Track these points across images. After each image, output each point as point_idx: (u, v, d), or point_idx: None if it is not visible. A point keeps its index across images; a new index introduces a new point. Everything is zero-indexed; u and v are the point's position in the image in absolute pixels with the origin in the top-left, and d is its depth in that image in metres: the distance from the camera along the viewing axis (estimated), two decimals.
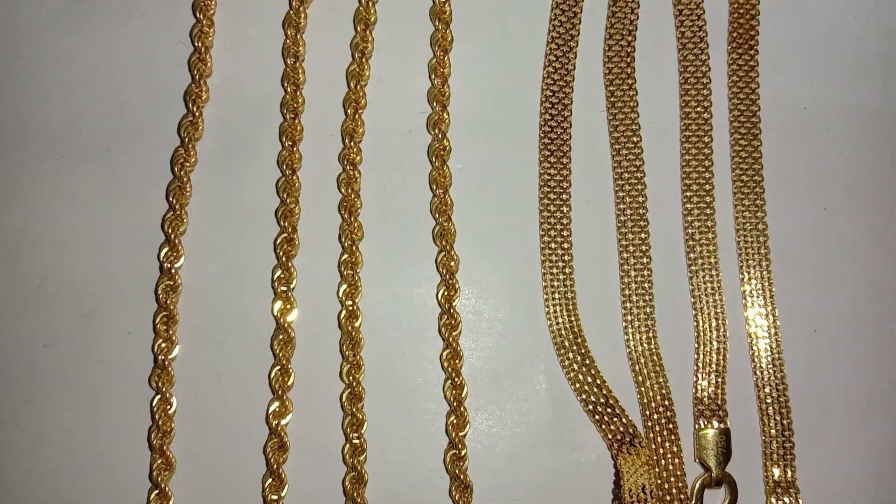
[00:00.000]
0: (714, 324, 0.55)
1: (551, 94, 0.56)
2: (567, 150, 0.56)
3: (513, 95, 0.56)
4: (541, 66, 0.56)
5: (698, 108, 0.57)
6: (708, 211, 0.56)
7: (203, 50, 0.54)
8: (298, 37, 0.55)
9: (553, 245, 0.55)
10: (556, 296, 0.55)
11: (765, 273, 0.56)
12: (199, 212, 0.53)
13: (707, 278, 0.56)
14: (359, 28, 0.55)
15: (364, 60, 0.55)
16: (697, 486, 0.53)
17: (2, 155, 0.54)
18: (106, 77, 0.55)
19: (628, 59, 0.57)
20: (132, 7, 0.55)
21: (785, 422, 0.54)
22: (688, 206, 0.56)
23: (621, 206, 0.56)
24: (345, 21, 0.56)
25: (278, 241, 0.53)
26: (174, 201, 0.53)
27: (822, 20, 0.58)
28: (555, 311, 0.54)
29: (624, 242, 0.55)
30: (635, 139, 0.56)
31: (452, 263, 0.54)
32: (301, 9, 0.55)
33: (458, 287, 0.53)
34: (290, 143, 0.54)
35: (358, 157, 0.54)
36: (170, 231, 0.52)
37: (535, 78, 0.56)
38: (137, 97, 0.54)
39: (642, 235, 0.56)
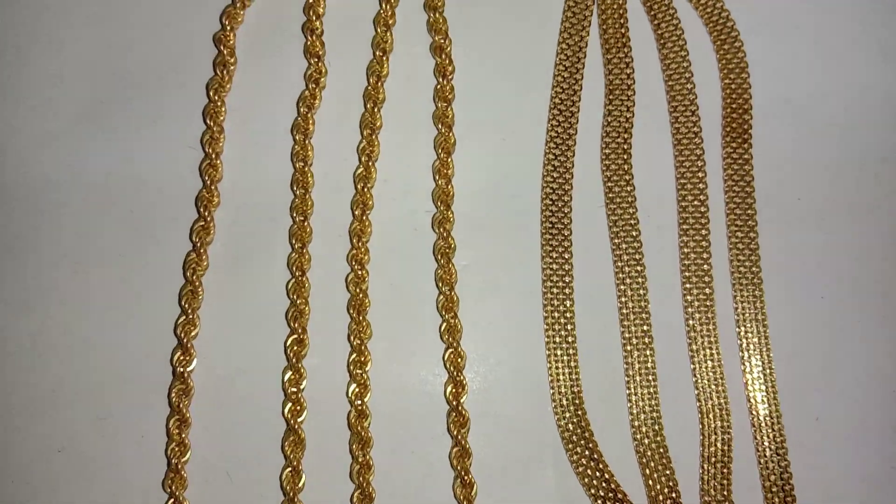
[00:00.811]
0: (718, 414, 0.56)
1: (551, 191, 0.58)
2: (568, 246, 0.57)
3: (514, 193, 0.58)
4: (541, 164, 0.58)
5: (695, 202, 0.59)
6: (708, 303, 0.57)
7: (214, 156, 0.56)
8: (307, 142, 0.57)
9: (557, 339, 0.56)
10: (563, 389, 0.55)
11: (766, 362, 0.57)
12: (210, 315, 0.54)
13: (710, 368, 0.57)
14: (365, 132, 0.57)
15: (371, 163, 0.57)
16: None
17: (17, 262, 0.55)
18: (119, 183, 0.56)
19: (625, 157, 0.59)
20: (144, 115, 0.57)
21: None
22: (688, 297, 0.58)
23: (623, 298, 0.57)
24: (352, 125, 0.58)
25: (289, 342, 0.54)
26: (186, 306, 0.54)
27: (815, 113, 0.60)
28: (562, 405, 0.55)
29: (627, 335, 0.57)
30: (634, 233, 0.58)
31: (460, 360, 0.55)
32: (309, 115, 0.57)
33: (466, 384, 0.54)
34: (300, 246, 0.55)
35: (366, 257, 0.56)
36: (182, 335, 0.53)
37: (535, 175, 0.58)
38: (150, 203, 0.56)
39: (644, 328, 0.57)
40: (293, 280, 0.55)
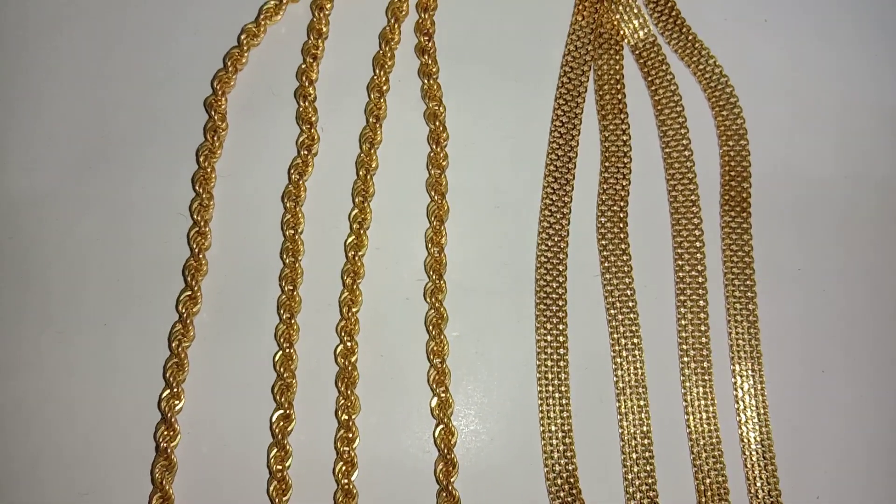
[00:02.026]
0: (716, 491, 0.54)
1: (546, 259, 0.57)
2: (563, 317, 0.56)
3: (508, 261, 0.57)
4: (535, 232, 0.57)
5: (692, 272, 0.57)
6: (706, 376, 0.56)
7: (202, 223, 0.55)
8: (298, 209, 0.56)
9: (552, 414, 0.55)
10: (557, 468, 0.54)
11: (765, 437, 0.55)
12: (196, 388, 0.53)
13: (708, 443, 0.55)
14: (357, 200, 0.56)
15: (362, 231, 0.56)
16: None
17: (1, 328, 0.55)
18: (106, 248, 0.55)
19: (621, 224, 0.58)
20: (132, 178, 0.56)
21: None
22: (685, 370, 0.56)
23: (619, 371, 0.56)
24: (344, 193, 0.57)
25: (275, 417, 0.53)
26: (171, 379, 0.52)
27: (813, 179, 0.59)
28: (556, 484, 0.53)
29: (623, 410, 0.55)
30: (630, 304, 0.57)
31: (451, 438, 0.53)
32: (300, 182, 0.56)
33: (457, 462, 0.53)
34: (289, 316, 0.54)
35: (356, 328, 0.55)
36: (166, 409, 0.52)
37: (530, 243, 0.57)
38: (136, 270, 0.55)
39: (641, 402, 0.55)
40: (280, 353, 0.53)
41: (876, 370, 0.57)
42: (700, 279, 0.57)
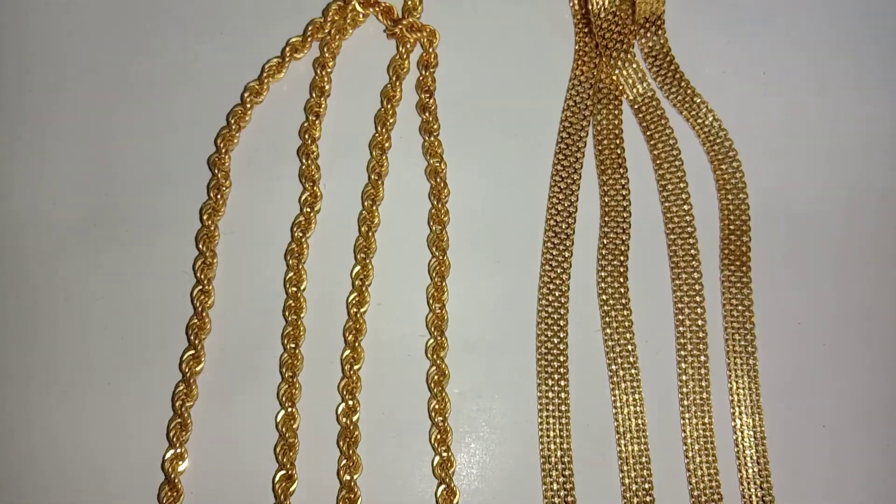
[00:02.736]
0: None
1: (546, 315, 0.57)
2: (564, 373, 0.56)
3: (509, 316, 0.57)
4: (536, 287, 0.58)
5: (693, 327, 0.58)
6: (707, 433, 0.56)
7: (206, 282, 0.56)
8: (300, 266, 0.57)
9: (554, 473, 0.55)
10: None
11: (766, 493, 0.55)
12: (199, 448, 0.53)
13: (709, 501, 0.55)
14: (359, 257, 0.57)
15: (364, 288, 0.56)
16: None
17: (6, 386, 0.55)
18: (110, 306, 0.56)
19: (622, 279, 0.58)
20: (136, 236, 0.57)
21: None
22: (687, 427, 0.56)
23: (621, 428, 0.56)
24: (346, 249, 0.57)
25: (277, 478, 0.53)
26: (175, 439, 0.53)
27: (813, 233, 0.59)
28: None
29: (625, 468, 0.55)
30: (632, 359, 0.57)
31: (454, 498, 0.53)
32: (303, 239, 0.57)
33: None
34: (291, 375, 0.54)
35: (357, 386, 0.55)
36: (170, 470, 0.52)
37: (531, 298, 0.58)
38: (140, 328, 0.55)
39: (643, 460, 0.55)
40: (283, 412, 0.54)
41: (876, 424, 0.57)
42: (700, 334, 0.58)
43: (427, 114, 0.60)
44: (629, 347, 0.57)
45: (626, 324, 0.58)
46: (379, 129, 0.59)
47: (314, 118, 0.59)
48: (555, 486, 0.55)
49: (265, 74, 0.59)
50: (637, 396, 0.57)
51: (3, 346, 0.55)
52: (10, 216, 0.58)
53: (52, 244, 0.57)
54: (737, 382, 0.57)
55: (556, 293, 0.58)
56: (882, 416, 0.57)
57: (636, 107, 0.61)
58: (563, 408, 0.56)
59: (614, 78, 0.61)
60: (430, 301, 0.57)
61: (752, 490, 0.55)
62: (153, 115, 0.59)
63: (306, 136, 0.58)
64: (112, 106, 0.59)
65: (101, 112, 0.59)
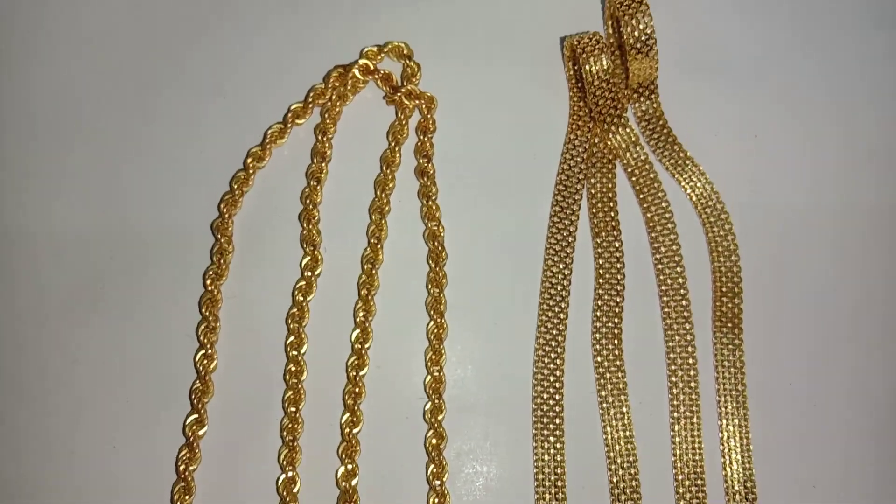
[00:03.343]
0: None
1: (542, 377, 0.58)
2: (560, 435, 0.57)
3: (506, 378, 0.58)
4: (532, 349, 0.59)
5: (685, 389, 0.59)
6: (700, 494, 0.57)
7: (209, 346, 0.57)
8: (301, 331, 0.58)
9: None
10: None
11: None
12: None
13: None
14: (358, 320, 0.58)
15: (364, 351, 0.58)
16: None
17: (11, 449, 0.56)
18: (113, 370, 0.57)
19: (616, 342, 0.60)
20: (139, 300, 0.58)
21: None
22: (681, 489, 0.57)
23: (615, 490, 0.57)
24: (345, 313, 0.58)
25: None
26: (179, 502, 0.54)
27: (804, 295, 0.60)
28: None
29: None
30: (626, 421, 0.58)
31: None
32: (304, 304, 0.58)
33: None
34: (291, 439, 0.56)
35: (357, 449, 0.56)
36: None
37: (527, 359, 0.59)
38: (145, 392, 0.57)
39: None
40: (283, 477, 0.55)
41: (868, 483, 0.58)
42: (693, 395, 0.59)
43: (425, 178, 0.61)
44: (623, 409, 0.58)
45: (621, 385, 0.59)
46: (378, 193, 0.61)
47: (315, 183, 0.60)
48: None
49: (268, 140, 0.61)
50: (631, 458, 0.58)
51: (8, 409, 0.57)
52: (15, 279, 0.59)
53: (57, 308, 0.58)
54: (729, 444, 0.58)
55: (552, 355, 0.59)
56: (873, 474, 0.58)
57: (629, 170, 0.63)
58: (558, 470, 0.57)
59: (608, 142, 0.63)
60: (429, 364, 0.58)
61: None
62: (157, 178, 0.61)
63: (308, 202, 0.60)
64: (115, 170, 0.61)
65: (104, 176, 0.61)
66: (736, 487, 0.57)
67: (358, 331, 0.58)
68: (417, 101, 0.62)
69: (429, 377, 0.58)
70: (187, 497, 0.54)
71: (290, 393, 0.57)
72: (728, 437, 0.58)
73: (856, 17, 0.67)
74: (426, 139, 0.62)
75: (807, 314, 0.60)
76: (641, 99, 0.63)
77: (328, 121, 0.62)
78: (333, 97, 0.62)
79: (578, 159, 0.62)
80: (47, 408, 0.57)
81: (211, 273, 0.58)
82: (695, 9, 0.66)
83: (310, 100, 0.62)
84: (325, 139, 0.61)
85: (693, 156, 0.63)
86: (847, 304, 0.61)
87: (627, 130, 0.63)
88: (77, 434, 0.56)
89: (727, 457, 0.58)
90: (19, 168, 0.61)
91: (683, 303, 0.60)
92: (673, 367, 0.59)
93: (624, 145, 0.63)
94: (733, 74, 0.64)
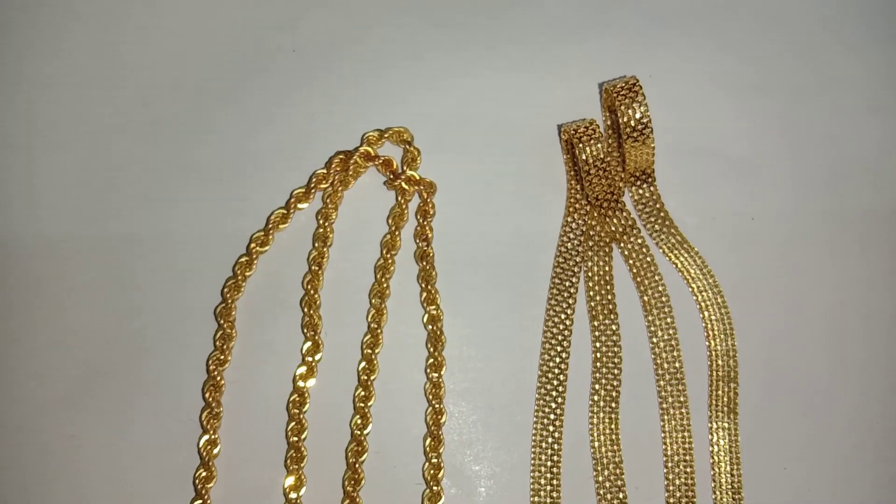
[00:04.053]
0: None
1: (540, 463, 0.59)
2: None
3: (504, 464, 0.59)
4: (530, 433, 0.59)
5: (682, 474, 0.59)
6: None
7: (212, 431, 0.58)
8: (302, 416, 0.59)
9: None
10: None
11: None
12: None
13: None
14: (358, 406, 0.59)
15: (363, 438, 0.58)
16: None
17: None
18: (113, 458, 0.58)
19: (613, 426, 0.60)
20: (141, 386, 0.59)
21: None
22: None
23: None
24: (345, 399, 0.59)
25: None
26: None
27: (800, 382, 0.61)
28: None
29: None
30: None
31: None
32: (304, 390, 0.59)
33: None
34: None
35: None
36: None
37: (525, 444, 0.59)
38: (148, 478, 0.57)
39: None
40: None
41: None
42: (689, 480, 0.59)
43: (425, 262, 0.62)
44: (620, 495, 0.59)
45: (618, 471, 0.60)
46: (378, 277, 0.62)
47: (317, 268, 0.61)
48: None
49: (270, 225, 0.62)
50: None
51: (5, 496, 0.58)
52: (15, 366, 0.60)
53: (58, 393, 0.59)
54: None
55: (549, 439, 0.60)
56: None
57: (626, 254, 0.63)
58: None
59: (605, 226, 0.64)
60: (427, 451, 0.59)
61: None
62: (160, 263, 0.62)
63: (309, 287, 0.61)
64: (119, 257, 0.62)
65: (105, 262, 0.62)
66: None
67: (358, 416, 0.59)
68: (417, 186, 0.63)
69: (427, 464, 0.59)
70: None
71: (292, 479, 0.57)
72: None
73: (853, 96, 0.68)
74: (426, 223, 0.63)
75: (802, 401, 0.61)
76: (638, 183, 0.64)
77: (330, 206, 0.63)
78: (335, 182, 0.63)
79: (576, 242, 0.63)
80: (47, 495, 0.57)
81: (214, 359, 0.59)
82: (689, 95, 0.67)
83: (312, 185, 0.63)
84: (326, 224, 0.62)
85: (690, 239, 0.63)
86: (846, 390, 0.61)
87: (624, 215, 0.64)
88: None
89: None
90: (19, 260, 0.62)
91: (680, 387, 0.61)
92: (669, 453, 0.60)
93: (621, 229, 0.64)
94: (729, 158, 0.65)
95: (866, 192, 0.65)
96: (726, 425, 0.60)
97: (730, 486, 0.59)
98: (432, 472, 0.58)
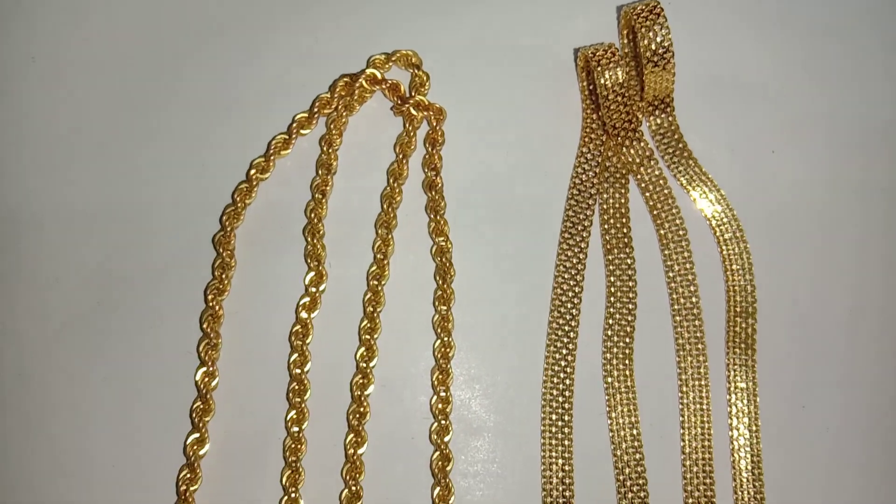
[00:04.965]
0: None
1: (551, 398, 0.57)
2: (569, 457, 0.56)
3: (514, 399, 0.57)
4: (541, 369, 0.58)
5: (697, 411, 0.57)
6: None
7: (210, 363, 0.56)
8: (305, 348, 0.56)
9: None
10: None
11: None
12: None
13: None
14: (363, 338, 0.57)
15: (369, 370, 0.56)
16: None
17: (10, 469, 0.55)
18: (113, 389, 0.56)
19: (626, 361, 0.58)
20: (140, 317, 0.57)
21: None
22: None
23: None
24: (351, 330, 0.57)
25: None
26: None
27: (819, 316, 0.59)
28: None
29: None
30: (636, 444, 0.57)
31: None
32: (308, 321, 0.57)
33: None
34: (294, 460, 0.54)
35: (361, 470, 0.55)
36: None
37: (536, 380, 0.57)
38: (144, 410, 0.55)
39: None
40: (286, 498, 0.54)
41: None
42: (705, 417, 0.57)
43: (433, 192, 0.59)
44: (634, 431, 0.57)
45: (631, 407, 0.58)
46: (385, 207, 0.59)
47: (320, 196, 0.59)
48: None
49: (271, 151, 0.59)
50: (641, 482, 0.56)
51: (6, 431, 0.55)
52: (12, 299, 0.57)
53: (54, 326, 0.57)
54: (740, 466, 0.57)
55: (562, 375, 0.58)
56: (890, 495, 0.57)
57: (643, 185, 0.61)
58: (567, 493, 0.56)
59: (622, 157, 0.61)
60: (435, 384, 0.57)
61: None
62: (157, 192, 0.59)
63: (312, 216, 0.58)
64: (115, 184, 0.59)
65: (103, 190, 0.59)
66: None
67: (363, 349, 0.57)
68: (426, 112, 0.60)
69: (435, 397, 0.56)
70: None
71: (294, 412, 0.55)
72: (739, 460, 0.57)
73: (874, 32, 0.65)
74: (434, 151, 0.60)
75: (822, 336, 0.59)
76: (657, 113, 0.62)
77: (334, 132, 0.60)
78: (339, 107, 0.60)
79: (591, 174, 0.61)
80: (46, 426, 0.55)
81: (212, 289, 0.57)
82: (712, 23, 0.64)
83: (315, 110, 0.60)
84: (330, 151, 0.60)
85: (708, 171, 0.61)
86: (865, 326, 0.59)
87: (642, 145, 0.61)
88: (76, 454, 0.55)
89: (737, 479, 0.57)
90: (16, 182, 0.59)
91: (696, 322, 0.59)
92: (685, 389, 0.58)
93: (638, 160, 0.61)
94: (750, 89, 0.62)
95: (891, 128, 0.63)
96: (744, 361, 0.58)
97: (746, 422, 0.58)
98: (440, 405, 0.56)
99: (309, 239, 0.58)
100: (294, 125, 0.60)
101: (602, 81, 0.58)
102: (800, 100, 0.63)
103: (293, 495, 0.54)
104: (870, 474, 0.57)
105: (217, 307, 0.57)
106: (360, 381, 0.56)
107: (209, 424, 0.55)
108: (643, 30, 0.58)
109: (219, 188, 0.59)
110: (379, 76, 0.61)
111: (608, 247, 0.60)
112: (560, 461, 0.56)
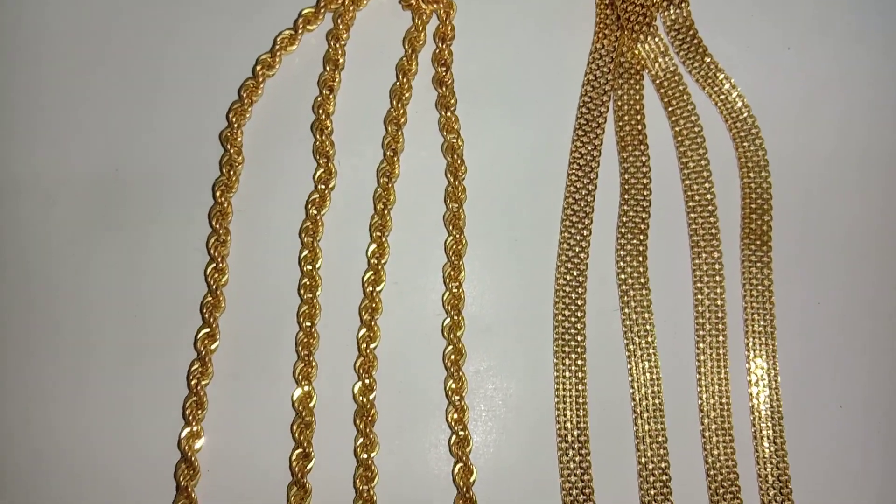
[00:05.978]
0: None
1: (564, 294, 0.57)
2: (581, 353, 0.56)
3: (527, 295, 0.57)
4: (554, 265, 0.57)
5: (712, 307, 0.57)
6: (725, 412, 0.56)
7: (220, 259, 0.55)
8: (315, 244, 0.56)
9: (570, 452, 0.54)
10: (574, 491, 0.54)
11: (781, 461, 0.55)
12: (215, 426, 0.53)
13: (725, 482, 0.55)
14: (374, 235, 0.56)
15: (380, 266, 0.56)
16: None
17: (22, 367, 0.54)
18: (122, 286, 0.55)
19: (641, 258, 0.58)
20: (148, 214, 0.56)
21: None
22: (705, 407, 0.56)
23: (638, 408, 0.56)
24: (361, 227, 0.56)
25: (294, 456, 0.52)
26: (191, 417, 0.52)
27: (835, 212, 0.58)
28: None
29: (641, 447, 0.55)
30: (650, 339, 0.56)
31: (470, 476, 0.53)
32: (318, 217, 0.56)
33: (476, 500, 0.53)
34: (307, 354, 0.54)
35: (374, 365, 0.55)
36: (186, 449, 0.52)
37: (548, 275, 0.57)
38: (154, 306, 0.55)
39: (660, 439, 0.55)
40: (299, 390, 0.54)
41: (894, 406, 0.57)
42: (720, 313, 0.57)
43: (444, 88, 0.58)
44: (647, 327, 0.57)
45: (645, 303, 0.57)
46: (394, 103, 0.58)
47: (328, 92, 0.57)
48: (571, 465, 0.54)
49: (277, 47, 0.58)
50: (654, 376, 0.56)
51: (21, 325, 0.55)
52: (19, 193, 0.56)
53: (62, 221, 0.56)
54: (755, 362, 0.57)
55: (575, 272, 0.57)
56: None
57: (658, 82, 0.60)
58: (580, 387, 0.56)
59: (636, 52, 0.60)
60: (447, 280, 0.56)
61: (769, 469, 0.55)
62: (164, 89, 0.58)
63: (320, 111, 0.57)
64: (122, 82, 0.58)
65: (111, 89, 0.58)
66: (762, 408, 0.56)
67: (374, 246, 0.56)
68: (435, 6, 0.58)
69: (447, 293, 0.56)
70: (200, 412, 0.53)
71: (305, 307, 0.55)
72: (755, 356, 0.57)
73: None
74: (444, 46, 0.58)
75: (837, 233, 0.58)
76: (671, 7, 0.60)
77: (341, 27, 0.58)
78: (346, 1, 0.59)
79: (605, 70, 0.59)
80: (58, 324, 0.55)
81: (220, 185, 0.56)
82: None
83: (322, 4, 0.58)
84: (337, 46, 0.58)
85: (724, 68, 0.60)
86: (879, 224, 0.58)
87: (656, 40, 0.60)
88: (88, 349, 0.54)
89: (752, 375, 0.56)
90: (22, 82, 0.58)
91: (711, 219, 0.58)
92: (699, 285, 0.57)
93: (652, 55, 0.60)
94: None
95: None
96: (759, 257, 0.58)
97: (762, 320, 0.57)
98: (453, 301, 0.55)
99: (317, 135, 0.57)
100: (300, 20, 0.58)
101: None
102: None
103: (306, 388, 0.54)
104: (885, 368, 0.57)
105: (226, 203, 0.56)
106: (372, 277, 0.56)
107: (220, 320, 0.55)
108: None
109: (225, 85, 0.58)
110: None
111: (622, 144, 0.59)
112: (573, 356, 0.56)
